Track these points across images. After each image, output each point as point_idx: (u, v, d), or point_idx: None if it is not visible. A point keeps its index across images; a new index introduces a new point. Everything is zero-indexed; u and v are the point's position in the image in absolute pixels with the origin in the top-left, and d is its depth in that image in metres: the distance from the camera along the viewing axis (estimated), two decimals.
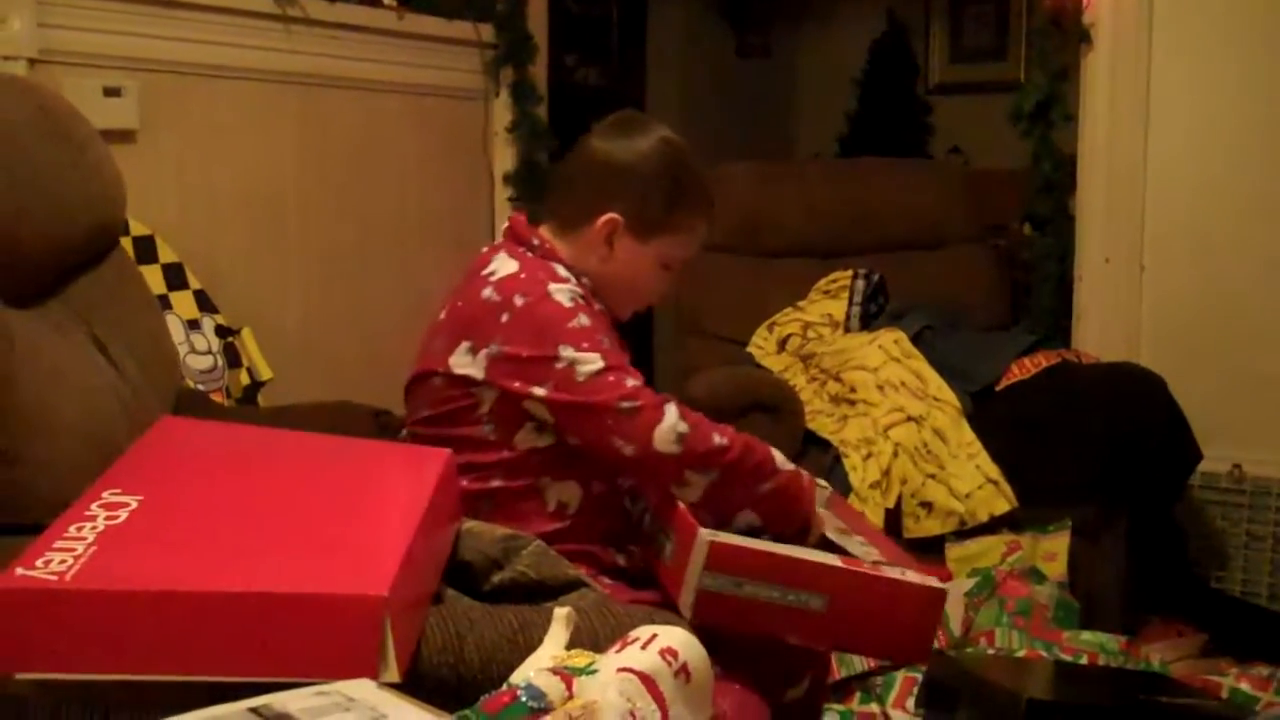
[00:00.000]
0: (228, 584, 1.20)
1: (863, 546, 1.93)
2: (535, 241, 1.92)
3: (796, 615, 1.73)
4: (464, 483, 1.82)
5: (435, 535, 1.49)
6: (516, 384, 1.80)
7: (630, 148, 1.93)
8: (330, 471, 1.54)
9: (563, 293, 1.82)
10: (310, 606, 1.19)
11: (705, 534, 1.70)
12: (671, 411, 1.76)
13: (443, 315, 1.91)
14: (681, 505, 1.80)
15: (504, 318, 1.81)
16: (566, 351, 1.77)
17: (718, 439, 1.79)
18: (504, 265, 1.87)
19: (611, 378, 1.77)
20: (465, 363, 1.83)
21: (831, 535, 1.91)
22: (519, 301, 1.81)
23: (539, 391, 1.78)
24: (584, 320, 1.80)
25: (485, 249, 1.98)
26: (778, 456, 1.87)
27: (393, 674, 1.19)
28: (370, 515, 1.41)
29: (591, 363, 1.77)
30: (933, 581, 1.80)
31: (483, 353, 1.81)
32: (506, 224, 1.99)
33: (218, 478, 1.45)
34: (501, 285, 1.83)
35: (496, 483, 1.84)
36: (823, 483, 2.05)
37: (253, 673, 1.14)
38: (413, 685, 1.18)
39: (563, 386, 1.78)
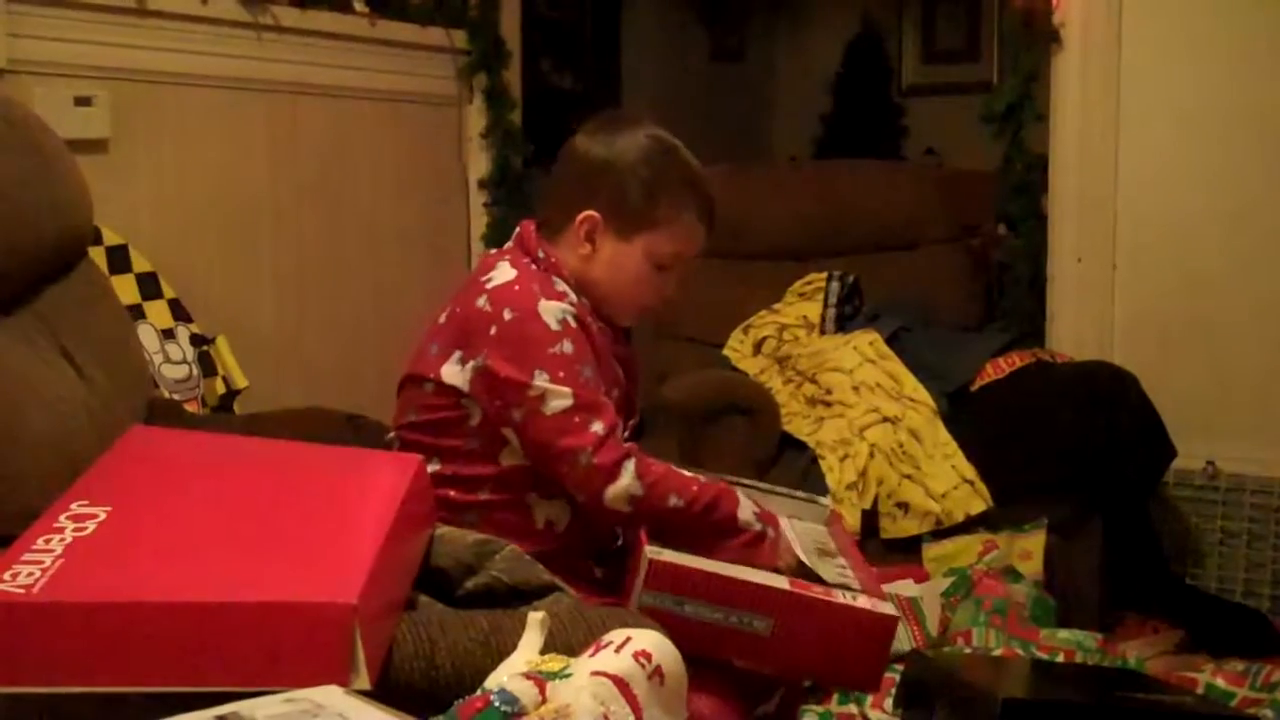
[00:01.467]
0: (196, 594, 1.20)
1: (839, 569, 1.90)
2: (540, 253, 1.88)
3: (741, 637, 1.69)
4: (451, 493, 1.81)
5: (406, 541, 1.49)
6: (497, 403, 1.78)
7: (609, 144, 1.90)
8: (300, 478, 1.53)
9: (552, 312, 1.78)
10: (279, 615, 1.19)
11: (649, 551, 1.68)
12: (627, 473, 1.74)
13: (442, 318, 1.88)
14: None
15: (492, 330, 1.78)
16: (540, 379, 1.75)
17: (674, 501, 1.77)
18: (502, 273, 1.84)
19: (578, 419, 1.75)
20: (455, 372, 1.81)
21: (804, 557, 1.89)
22: (507, 316, 1.78)
23: (515, 416, 1.77)
24: (567, 347, 1.77)
25: (493, 252, 1.96)
26: (745, 513, 1.84)
27: (364, 681, 1.19)
28: (340, 522, 1.41)
29: (562, 398, 1.75)
30: (885, 609, 1.77)
31: (470, 364, 1.80)
32: (517, 230, 1.95)
33: (187, 487, 1.45)
34: (495, 295, 1.81)
35: (484, 496, 1.83)
36: (825, 500, 2.04)
37: (223, 683, 1.13)
38: (384, 692, 1.18)
39: (530, 418, 1.76)
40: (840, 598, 1.75)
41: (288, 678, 1.07)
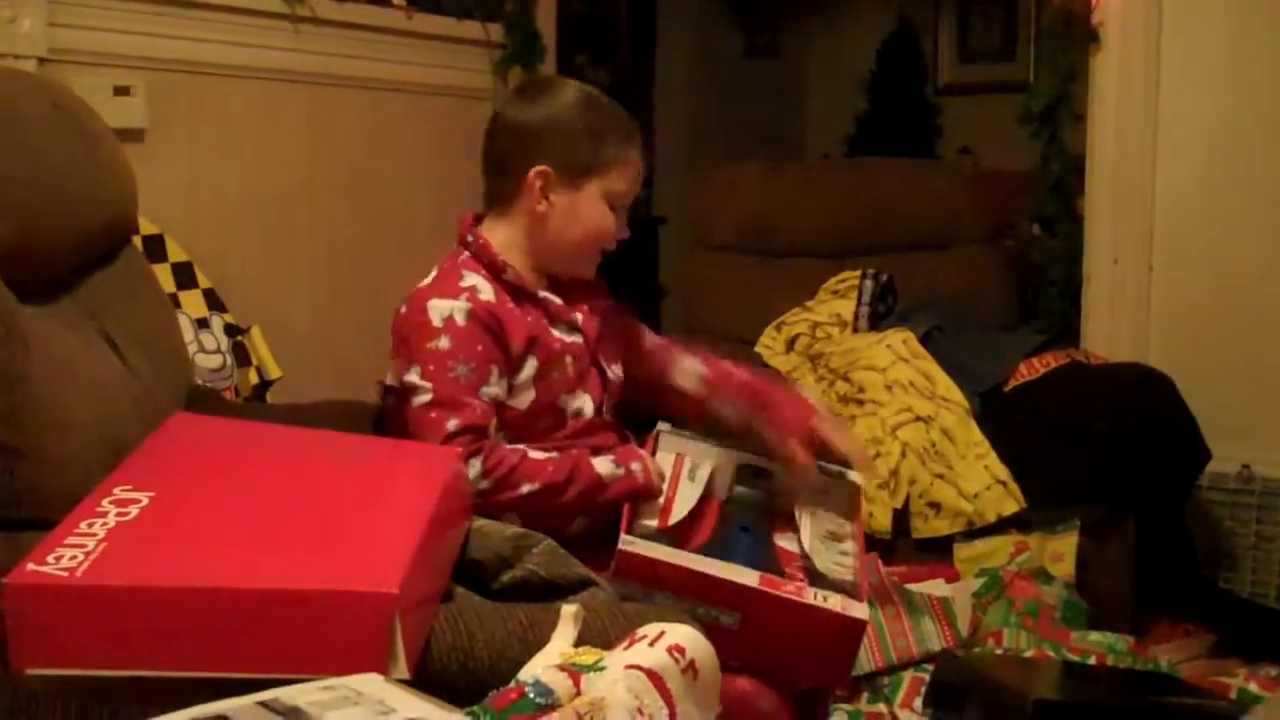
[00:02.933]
0: (238, 580, 1.20)
1: (839, 556, 1.91)
2: (470, 239, 1.96)
3: (707, 630, 1.69)
4: None
5: (445, 533, 1.49)
6: (395, 388, 1.88)
7: (542, 105, 1.97)
8: (341, 468, 1.54)
9: (437, 309, 1.85)
10: (321, 603, 1.19)
11: (622, 541, 1.72)
12: (472, 470, 1.78)
13: None
14: (627, 505, 1.83)
15: (394, 325, 1.91)
16: (412, 374, 1.84)
17: (527, 487, 1.82)
18: (431, 274, 1.94)
19: (434, 414, 1.82)
20: (391, 374, 1.91)
21: (806, 540, 1.89)
22: (402, 311, 1.90)
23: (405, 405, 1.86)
24: (443, 343, 1.84)
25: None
26: (605, 467, 1.88)
27: (402, 671, 1.19)
28: (380, 512, 1.41)
29: (422, 393, 1.83)
30: (856, 611, 1.77)
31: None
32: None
33: (229, 474, 1.46)
34: (408, 296, 1.91)
35: None
36: (853, 475, 2.05)
37: (262, 669, 1.14)
38: (421, 682, 1.18)
39: (404, 407, 1.85)
40: (811, 597, 1.77)
41: (327, 666, 1.08)
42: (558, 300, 1.97)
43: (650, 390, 2.14)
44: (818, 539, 1.92)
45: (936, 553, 2.93)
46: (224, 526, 1.31)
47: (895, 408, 3.11)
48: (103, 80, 2.76)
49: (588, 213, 1.94)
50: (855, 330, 3.53)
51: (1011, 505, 2.94)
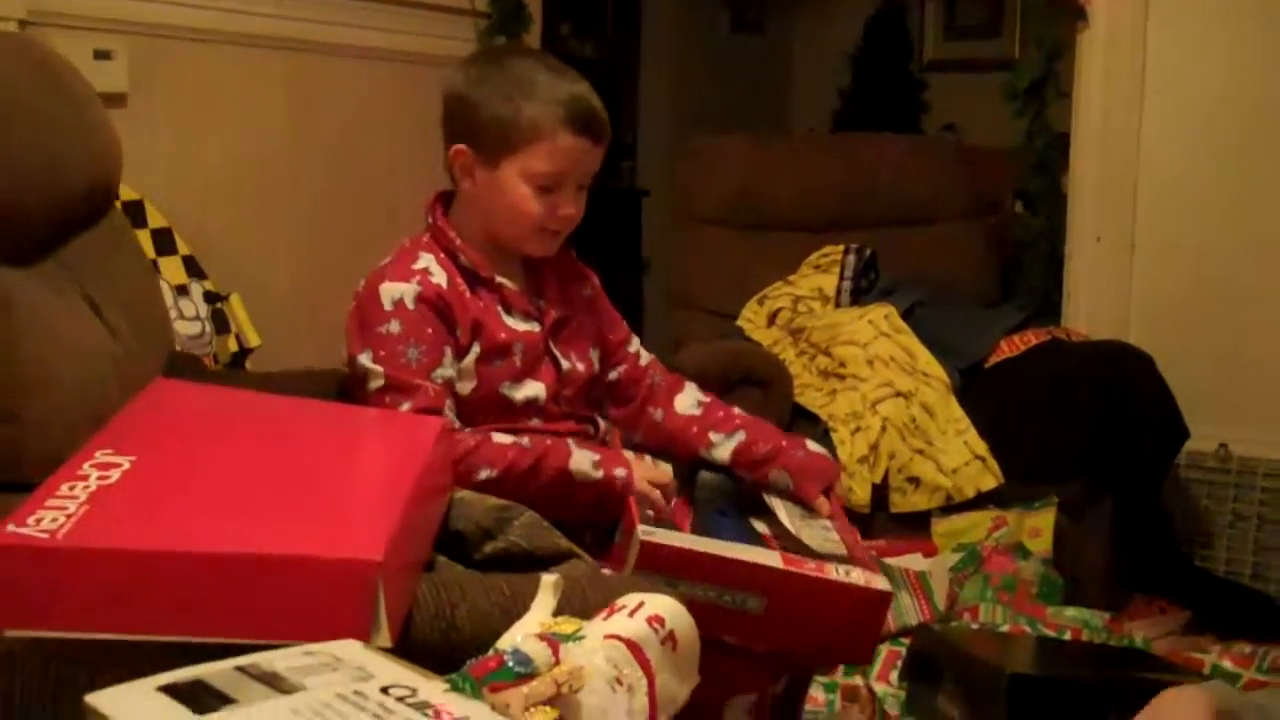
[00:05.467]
0: (219, 545, 1.20)
1: (823, 531, 1.90)
2: (429, 219, 1.94)
3: (734, 616, 1.69)
4: None
5: (428, 502, 1.49)
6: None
7: (462, 81, 1.92)
8: (325, 436, 1.54)
9: (388, 293, 1.83)
10: (303, 569, 1.19)
11: (641, 532, 1.68)
12: None
13: None
14: (631, 499, 1.80)
15: (350, 308, 1.89)
16: (364, 358, 1.83)
17: (485, 473, 1.79)
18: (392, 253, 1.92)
19: (387, 399, 1.81)
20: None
21: (788, 524, 1.89)
22: (359, 293, 1.88)
23: (358, 388, 1.84)
24: (394, 327, 1.82)
25: None
26: (579, 464, 1.85)
27: (385, 639, 1.19)
28: (364, 480, 1.41)
29: (375, 378, 1.82)
30: (879, 583, 1.76)
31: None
32: None
33: (211, 440, 1.45)
34: (368, 273, 1.90)
35: None
36: (822, 451, 2.06)
37: (244, 635, 1.13)
38: (403, 651, 1.18)
39: (358, 391, 1.84)
40: (834, 574, 1.74)
41: (310, 632, 1.07)
42: (513, 286, 1.93)
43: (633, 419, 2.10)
44: (797, 518, 1.93)
45: (915, 527, 2.95)
46: (207, 492, 1.30)
47: (876, 382, 3.11)
48: (83, 44, 2.73)
49: (508, 194, 1.88)
50: (837, 305, 3.54)
51: (990, 481, 2.96)
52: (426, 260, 1.88)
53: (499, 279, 1.92)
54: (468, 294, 1.89)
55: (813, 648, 1.81)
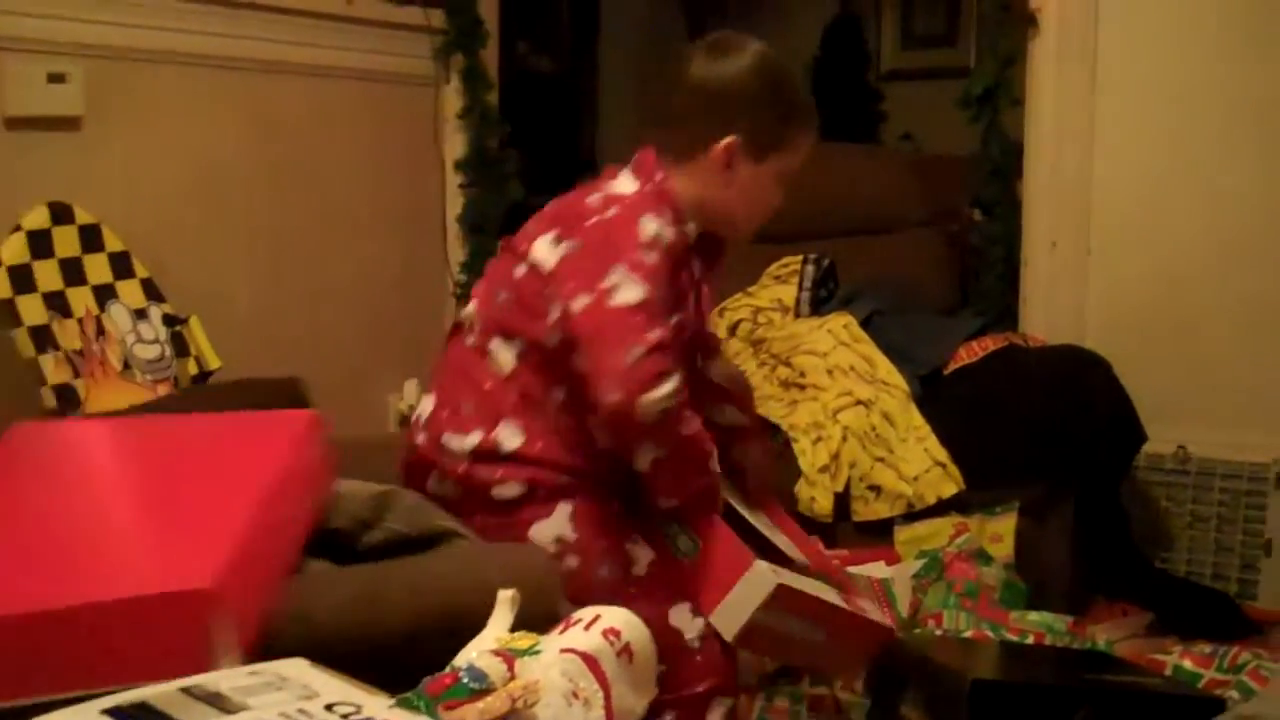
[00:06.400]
0: (49, 601, 1.16)
1: (783, 538, 2.02)
2: (658, 176, 1.90)
3: (808, 646, 1.90)
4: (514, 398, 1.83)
5: (288, 507, 1.45)
6: (569, 285, 1.78)
7: (732, 68, 1.92)
8: (179, 456, 1.49)
9: (651, 224, 1.81)
10: (134, 610, 1.16)
11: (766, 569, 1.77)
12: (669, 383, 1.72)
13: (547, 209, 1.94)
14: (716, 514, 1.85)
15: (592, 220, 1.82)
16: (617, 272, 1.75)
17: (686, 429, 1.78)
18: (623, 183, 1.90)
19: (642, 316, 1.73)
20: (545, 248, 1.84)
21: (764, 529, 1.97)
22: (610, 213, 1.83)
23: (578, 304, 1.76)
24: (652, 257, 1.78)
25: (610, 168, 1.98)
26: (714, 458, 1.89)
27: (235, 661, 1.17)
28: (207, 499, 1.36)
29: (634, 292, 1.74)
30: (888, 620, 2.05)
31: (563, 244, 1.83)
32: (635, 156, 1.96)
33: (57, 483, 1.41)
34: (609, 196, 1.86)
35: (560, 396, 1.84)
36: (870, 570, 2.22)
37: (94, 684, 1.07)
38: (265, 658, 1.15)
39: (593, 307, 1.75)
40: (871, 614, 2.02)
41: (156, 669, 1.02)
42: (700, 266, 1.95)
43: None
44: (764, 526, 1.97)
45: (877, 535, 2.95)
46: (38, 542, 1.26)
47: (836, 392, 3.12)
48: (37, 67, 2.73)
49: (764, 189, 1.94)
50: (797, 315, 3.55)
51: (951, 487, 2.97)
52: (671, 215, 1.87)
53: (696, 260, 1.94)
54: (684, 259, 1.89)
55: (830, 667, 2.14)
